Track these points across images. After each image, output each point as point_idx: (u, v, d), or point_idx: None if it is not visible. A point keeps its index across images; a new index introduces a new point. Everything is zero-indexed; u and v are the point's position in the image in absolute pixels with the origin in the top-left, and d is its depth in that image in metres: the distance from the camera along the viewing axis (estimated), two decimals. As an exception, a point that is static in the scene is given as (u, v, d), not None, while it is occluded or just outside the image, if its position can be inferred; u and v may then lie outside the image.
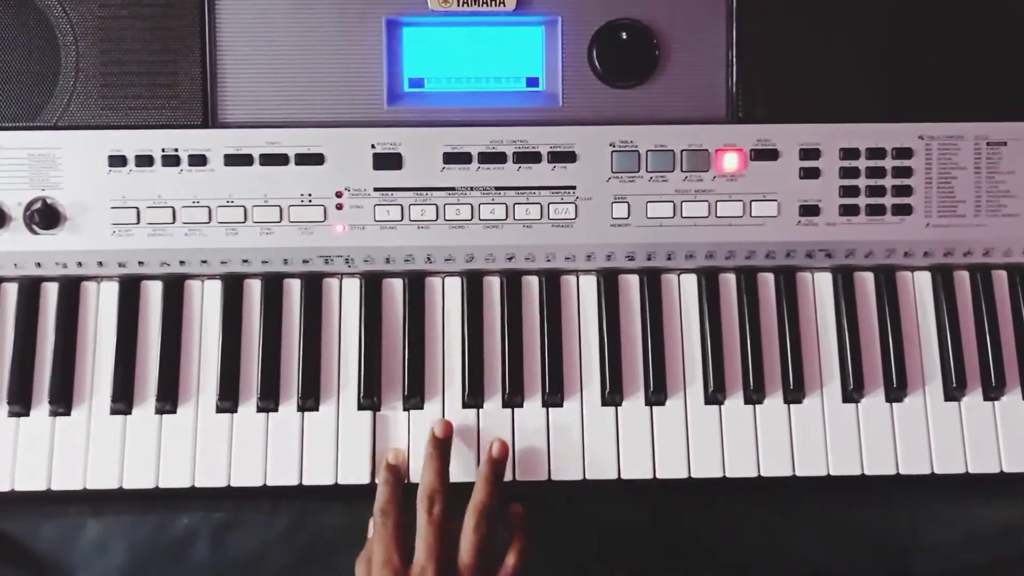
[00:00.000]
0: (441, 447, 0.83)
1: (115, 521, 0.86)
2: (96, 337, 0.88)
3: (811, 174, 0.87)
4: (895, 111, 0.88)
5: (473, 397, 0.87)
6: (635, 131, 0.87)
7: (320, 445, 0.86)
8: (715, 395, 0.88)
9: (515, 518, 0.84)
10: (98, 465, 0.85)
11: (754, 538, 0.88)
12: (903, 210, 0.88)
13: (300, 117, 0.86)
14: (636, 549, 0.87)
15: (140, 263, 0.87)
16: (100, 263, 0.87)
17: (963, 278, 0.91)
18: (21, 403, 0.86)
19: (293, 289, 0.89)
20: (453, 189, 0.86)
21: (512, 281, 0.89)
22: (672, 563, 0.88)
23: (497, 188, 0.87)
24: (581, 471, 0.86)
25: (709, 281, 0.90)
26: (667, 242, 0.87)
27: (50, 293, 0.88)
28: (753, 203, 0.87)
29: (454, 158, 0.86)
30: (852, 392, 0.88)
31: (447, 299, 0.89)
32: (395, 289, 0.89)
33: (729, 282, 0.90)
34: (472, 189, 0.87)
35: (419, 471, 0.83)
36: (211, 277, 0.89)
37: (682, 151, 0.87)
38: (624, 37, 0.87)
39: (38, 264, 0.87)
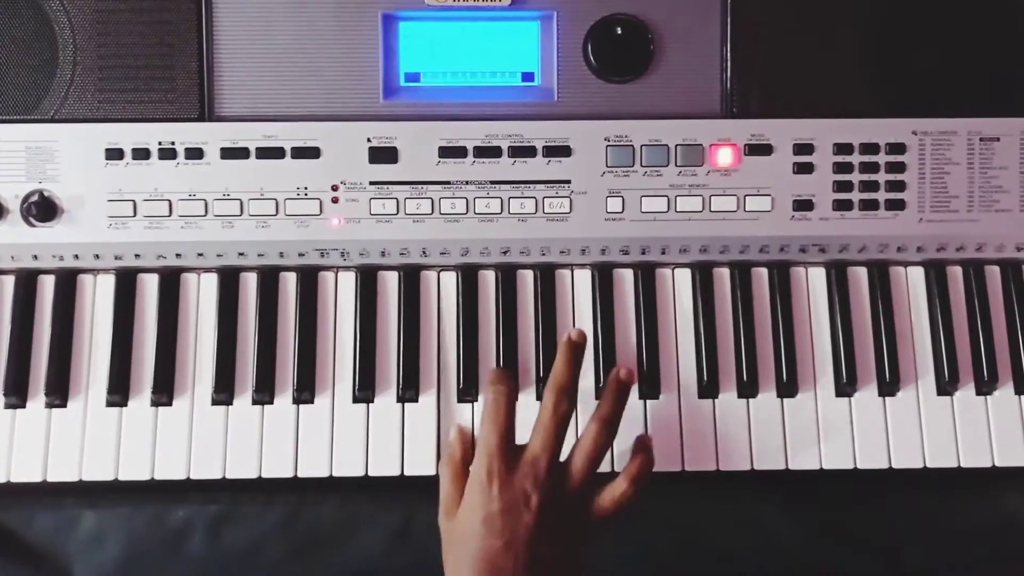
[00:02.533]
0: (576, 350, 0.82)
1: (111, 513, 0.86)
2: (92, 329, 0.88)
3: (805, 169, 0.88)
4: (889, 106, 0.88)
5: (468, 391, 0.87)
6: (630, 126, 0.87)
7: (315, 437, 0.86)
8: (709, 389, 0.88)
9: (640, 445, 0.83)
10: (94, 457, 0.85)
11: (745, 532, 0.88)
12: (896, 205, 0.88)
13: (296, 111, 0.87)
14: (629, 540, 0.88)
15: (136, 256, 0.87)
16: (97, 256, 0.87)
17: (956, 273, 0.92)
18: (17, 395, 0.86)
19: (289, 282, 0.89)
20: (448, 183, 0.87)
21: (507, 275, 0.90)
22: (665, 555, 0.88)
23: (492, 182, 0.87)
24: (575, 464, 0.86)
25: (703, 275, 0.90)
26: (661, 236, 0.88)
27: (47, 285, 0.89)
28: (747, 198, 0.87)
29: (449, 152, 0.87)
30: (845, 386, 0.88)
31: (442, 293, 0.90)
32: (390, 283, 0.90)
33: (723, 276, 0.91)
34: (467, 183, 0.87)
35: (423, 462, 0.85)
36: (207, 270, 0.89)
37: (676, 146, 0.87)
38: (619, 32, 0.88)
39: (35, 256, 0.87)
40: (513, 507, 0.75)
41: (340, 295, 0.89)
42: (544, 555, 0.75)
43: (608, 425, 0.80)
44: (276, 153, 0.86)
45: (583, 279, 0.90)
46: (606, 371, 0.87)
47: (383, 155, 0.86)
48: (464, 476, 0.79)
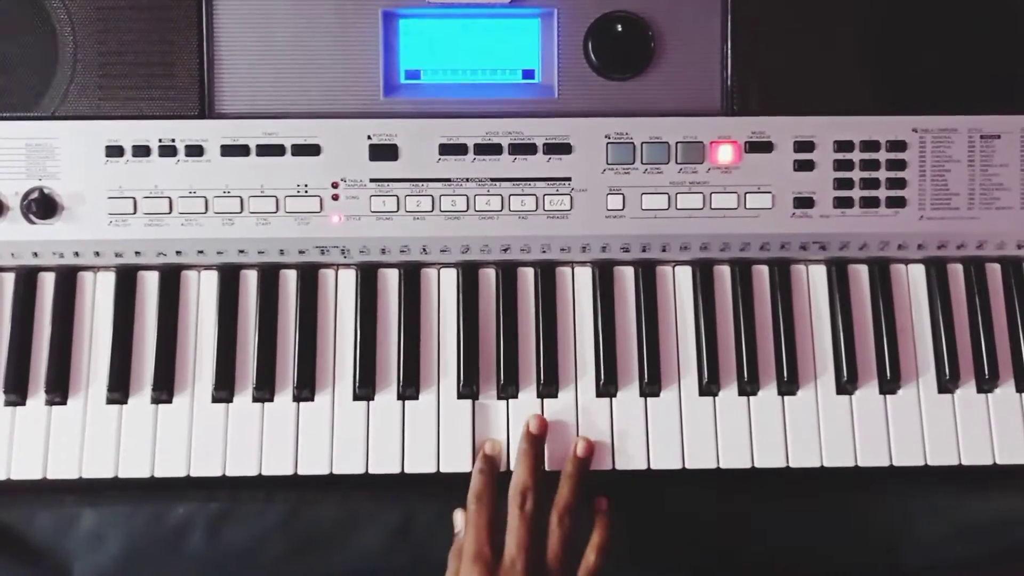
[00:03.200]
0: (535, 443, 0.84)
1: (110, 511, 0.86)
2: (92, 327, 0.88)
3: (805, 166, 0.88)
4: (889, 104, 0.88)
5: (468, 388, 0.87)
6: (630, 123, 0.87)
7: (315, 435, 0.86)
8: (709, 386, 0.88)
9: (599, 513, 0.84)
10: (94, 454, 0.85)
11: (745, 529, 0.88)
12: (897, 203, 0.88)
13: (297, 108, 0.87)
14: (628, 538, 0.88)
15: (137, 253, 0.87)
16: (97, 253, 0.87)
17: (957, 270, 0.92)
18: (17, 392, 0.86)
19: (289, 280, 0.89)
20: (449, 180, 0.87)
21: (507, 272, 0.90)
22: (664, 553, 0.88)
23: (493, 179, 0.87)
24: (575, 461, 0.86)
25: (704, 273, 0.90)
26: (662, 234, 0.88)
27: (47, 283, 0.89)
28: (747, 195, 0.87)
29: (450, 149, 0.87)
30: (846, 384, 0.88)
31: (443, 290, 0.90)
32: (391, 280, 0.90)
33: (724, 274, 0.91)
34: (468, 180, 0.87)
35: (423, 459, 0.85)
36: (207, 267, 0.89)
37: (677, 143, 0.87)
38: (619, 29, 0.88)
39: (35, 254, 0.87)
40: None
41: (340, 292, 0.89)
42: None
43: (570, 511, 0.81)
44: (276, 150, 0.86)
45: (584, 276, 0.90)
46: (607, 371, 0.87)
47: (383, 152, 0.86)
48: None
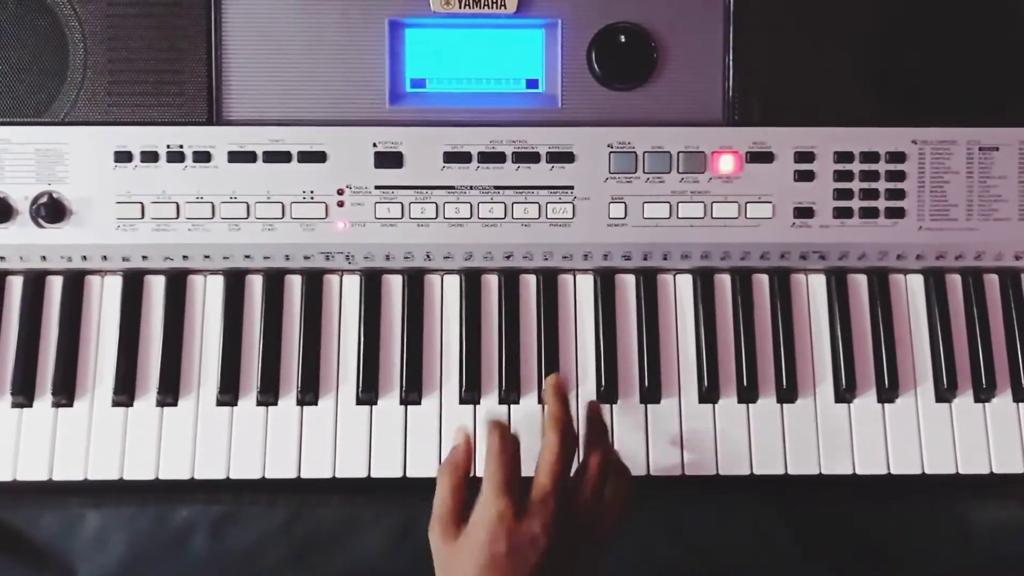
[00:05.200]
0: (562, 384, 0.82)
1: (115, 513, 0.87)
2: (99, 330, 0.89)
3: (805, 177, 0.88)
4: (889, 115, 0.89)
5: (470, 394, 0.88)
6: (633, 132, 0.88)
7: (319, 439, 0.87)
8: (709, 394, 0.88)
9: (591, 415, 0.83)
10: (99, 456, 0.86)
11: (744, 537, 0.89)
12: (896, 213, 0.89)
13: (303, 115, 0.88)
14: (628, 545, 0.88)
15: (144, 258, 0.88)
16: (104, 257, 0.88)
17: (955, 281, 0.93)
18: (24, 394, 0.87)
19: (294, 285, 0.90)
20: (453, 188, 0.88)
21: (510, 279, 0.91)
22: (664, 560, 0.88)
23: (496, 187, 0.88)
24: (576, 467, 0.87)
25: (704, 281, 0.91)
26: (663, 242, 0.89)
27: (55, 286, 0.90)
28: (748, 205, 0.88)
29: (454, 157, 0.88)
30: (844, 392, 0.89)
31: (446, 296, 0.91)
32: (394, 286, 0.91)
33: (724, 283, 0.92)
34: (471, 188, 0.88)
35: (425, 464, 0.86)
36: (213, 272, 0.90)
37: (679, 153, 0.88)
38: (623, 40, 0.89)
39: (43, 258, 0.88)
40: (519, 549, 0.73)
41: (344, 298, 0.90)
42: None
43: (606, 455, 0.79)
44: (283, 157, 0.87)
45: (585, 284, 0.91)
46: (608, 378, 0.88)
47: (389, 160, 0.87)
48: (464, 489, 0.78)
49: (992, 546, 0.89)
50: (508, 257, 0.89)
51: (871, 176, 0.89)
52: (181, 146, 0.87)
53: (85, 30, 0.87)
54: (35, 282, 0.89)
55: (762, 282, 0.92)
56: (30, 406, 0.87)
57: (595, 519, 0.77)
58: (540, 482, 0.75)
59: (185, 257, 0.88)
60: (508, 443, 0.78)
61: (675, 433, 0.88)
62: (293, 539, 0.87)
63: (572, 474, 0.78)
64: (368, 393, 0.87)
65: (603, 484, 0.78)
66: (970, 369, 0.90)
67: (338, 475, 0.86)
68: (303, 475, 0.86)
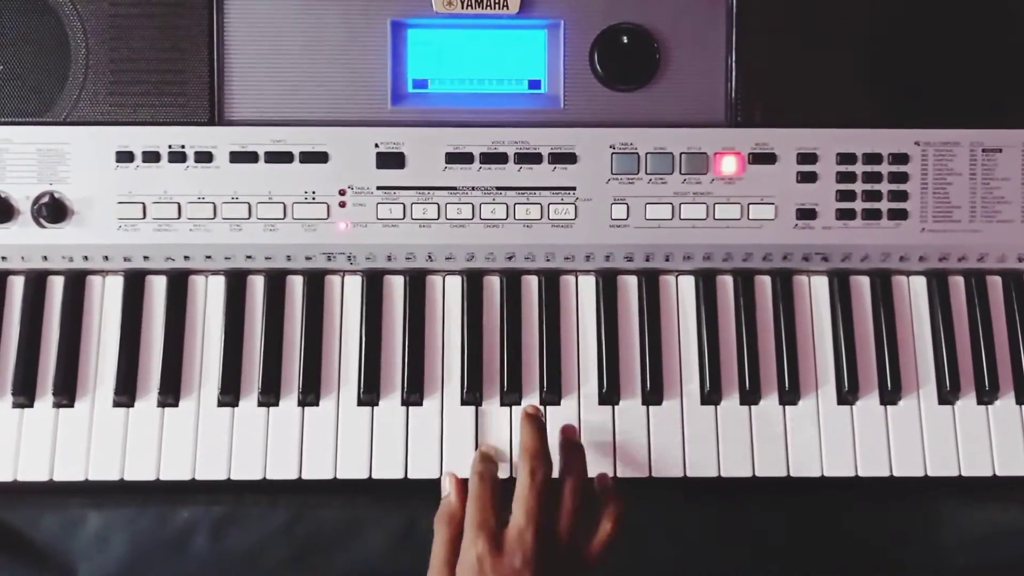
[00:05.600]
0: (537, 416, 0.83)
1: (115, 513, 0.87)
2: (100, 330, 0.89)
3: (808, 178, 0.88)
4: (892, 117, 0.89)
5: (472, 395, 0.88)
6: (635, 134, 0.88)
7: (320, 440, 0.87)
8: (711, 395, 0.88)
9: (605, 488, 0.84)
10: (100, 457, 0.86)
11: (746, 539, 0.89)
12: (899, 215, 0.89)
13: (305, 116, 0.88)
14: (628, 547, 0.88)
15: (145, 258, 0.88)
16: (106, 257, 0.88)
17: (958, 283, 0.92)
18: (25, 394, 0.87)
19: (296, 285, 0.90)
20: (455, 188, 0.88)
21: (512, 280, 0.91)
22: (664, 561, 0.88)
23: (498, 188, 0.88)
24: (578, 469, 0.86)
25: (706, 283, 0.91)
26: (665, 243, 0.88)
27: (56, 286, 0.89)
28: (751, 206, 0.88)
29: (456, 158, 0.87)
30: (847, 394, 0.89)
31: (447, 297, 0.90)
32: (396, 287, 0.91)
33: (726, 284, 0.91)
34: (473, 189, 0.88)
35: (426, 465, 0.86)
36: (215, 273, 0.90)
37: (681, 154, 0.88)
38: (625, 41, 0.89)
39: (45, 258, 0.88)
40: None
41: (346, 298, 0.90)
42: None
43: (583, 483, 0.80)
44: (285, 157, 0.87)
45: (587, 285, 0.91)
46: (609, 379, 0.88)
47: (390, 160, 0.87)
48: (459, 540, 0.78)
49: (995, 549, 0.89)
50: (510, 258, 0.89)
51: (874, 178, 0.88)
52: (183, 146, 0.87)
53: (87, 30, 0.87)
54: (36, 282, 0.89)
55: (764, 283, 0.92)
56: (31, 406, 0.87)
57: (576, 546, 0.78)
58: (515, 518, 0.77)
59: (187, 257, 0.88)
60: (486, 482, 0.79)
61: (677, 435, 0.88)
62: (294, 540, 0.87)
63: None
64: (369, 394, 0.87)
65: (583, 509, 0.79)
66: (973, 371, 0.90)
67: (339, 476, 0.86)
68: (304, 476, 0.86)
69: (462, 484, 0.82)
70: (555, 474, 0.80)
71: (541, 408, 0.86)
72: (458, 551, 0.78)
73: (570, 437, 0.86)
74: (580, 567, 0.78)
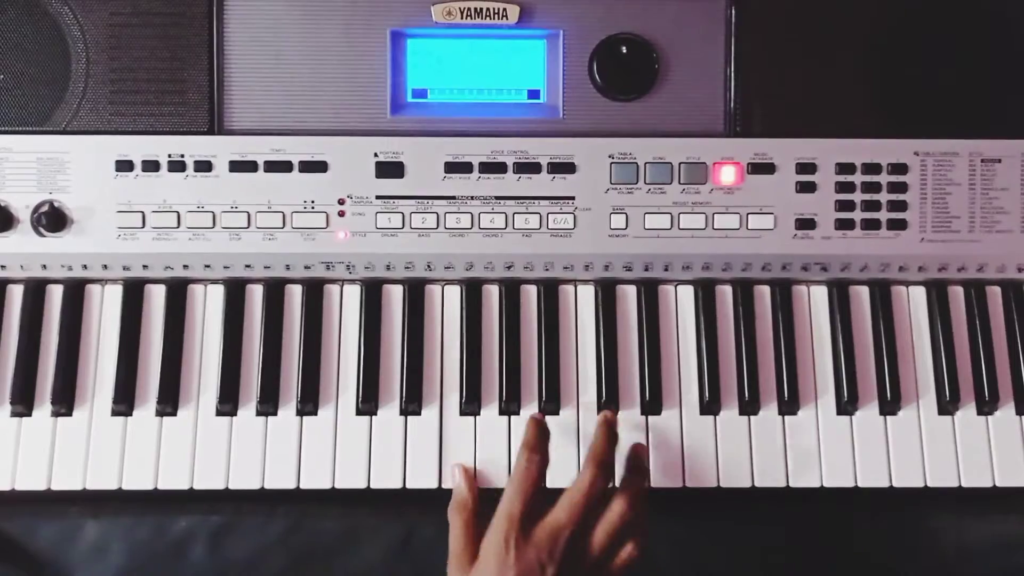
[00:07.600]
0: (614, 423, 0.84)
1: (114, 522, 0.87)
2: (99, 339, 0.89)
3: (807, 188, 0.88)
4: (891, 127, 0.89)
5: (470, 405, 0.88)
6: (634, 143, 0.88)
7: (318, 449, 0.87)
8: (710, 405, 0.88)
9: (635, 457, 0.84)
10: (98, 466, 0.86)
11: (745, 549, 0.88)
12: (898, 225, 0.89)
13: (305, 125, 0.88)
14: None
15: (144, 267, 0.88)
16: (105, 266, 0.88)
17: (957, 293, 0.92)
18: (24, 403, 0.87)
19: (294, 294, 0.90)
20: (454, 198, 0.88)
21: (511, 290, 0.90)
22: (665, 572, 0.88)
23: (497, 197, 0.88)
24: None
25: (705, 293, 0.91)
26: (664, 253, 0.88)
27: (55, 295, 0.89)
28: (750, 216, 0.88)
29: (455, 167, 0.88)
30: (846, 404, 0.89)
31: (446, 307, 0.90)
32: (395, 296, 0.90)
33: (725, 294, 0.91)
34: (472, 198, 0.88)
35: (424, 475, 0.86)
36: (214, 282, 0.90)
37: (680, 164, 0.88)
38: (624, 51, 0.89)
39: (44, 266, 0.88)
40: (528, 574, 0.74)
41: (345, 308, 0.90)
42: None
43: (638, 507, 0.79)
44: (284, 167, 0.87)
45: (586, 295, 0.91)
46: (608, 389, 0.88)
47: (390, 170, 0.87)
48: (475, 525, 0.79)
49: (994, 560, 0.88)
50: (509, 267, 0.89)
51: (873, 188, 0.89)
52: (182, 155, 0.87)
53: (87, 39, 0.87)
54: (35, 291, 0.89)
55: (763, 293, 0.92)
56: (29, 415, 0.87)
57: (602, 563, 0.77)
58: (557, 515, 0.76)
59: (186, 266, 0.88)
60: (533, 467, 0.79)
61: (676, 445, 0.88)
62: (292, 550, 0.87)
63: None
64: (368, 404, 0.87)
65: (623, 532, 0.78)
66: (972, 381, 0.90)
67: (337, 486, 0.86)
68: (302, 485, 0.86)
69: (471, 473, 0.83)
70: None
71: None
72: (476, 532, 0.77)
73: (640, 455, 0.85)
74: None
